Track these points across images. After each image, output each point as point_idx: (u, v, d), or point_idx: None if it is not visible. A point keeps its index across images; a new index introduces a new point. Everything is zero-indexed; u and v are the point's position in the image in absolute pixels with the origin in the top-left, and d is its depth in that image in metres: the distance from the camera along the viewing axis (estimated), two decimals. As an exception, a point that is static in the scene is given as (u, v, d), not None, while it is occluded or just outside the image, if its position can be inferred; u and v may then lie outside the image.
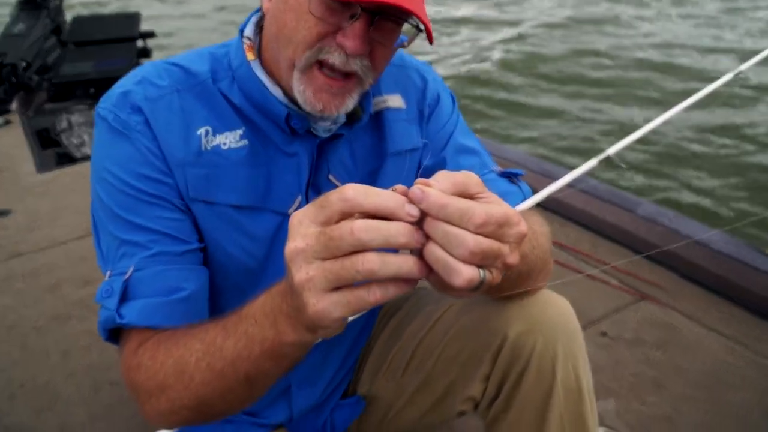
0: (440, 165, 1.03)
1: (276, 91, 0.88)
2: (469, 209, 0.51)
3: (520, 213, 0.56)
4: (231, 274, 0.94)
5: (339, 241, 0.49)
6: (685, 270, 2.14)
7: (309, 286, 0.52)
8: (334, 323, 0.54)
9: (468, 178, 0.55)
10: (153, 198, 0.83)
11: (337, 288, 0.52)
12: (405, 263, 0.51)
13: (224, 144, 0.88)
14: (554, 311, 0.98)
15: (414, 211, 0.51)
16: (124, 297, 0.80)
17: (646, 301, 2.02)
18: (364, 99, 0.93)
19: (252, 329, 0.65)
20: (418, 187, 0.51)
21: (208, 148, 0.87)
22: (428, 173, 1.05)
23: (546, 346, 0.95)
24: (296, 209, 0.90)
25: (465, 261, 0.50)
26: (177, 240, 0.84)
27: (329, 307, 0.52)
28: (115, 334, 0.84)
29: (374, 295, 0.51)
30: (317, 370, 1.11)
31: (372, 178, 1.00)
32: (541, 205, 2.85)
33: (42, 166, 3.16)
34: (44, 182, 3.02)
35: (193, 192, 0.86)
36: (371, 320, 1.22)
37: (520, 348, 0.96)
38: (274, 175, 0.90)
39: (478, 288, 0.53)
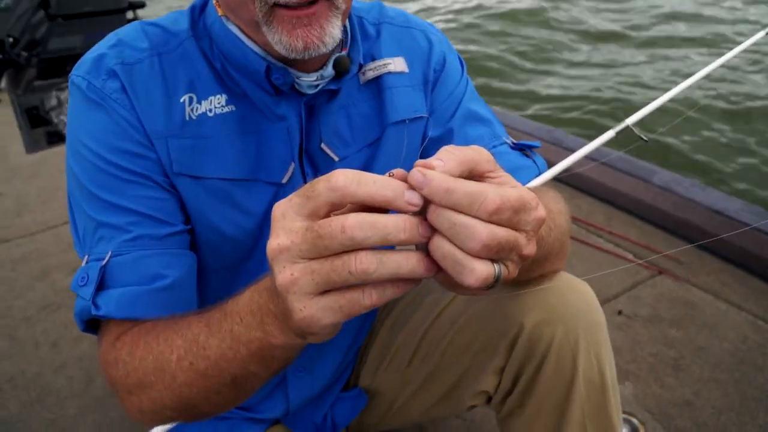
0: (447, 136, 0.94)
1: (253, 46, 0.79)
2: (480, 193, 0.43)
3: (534, 190, 0.47)
4: (223, 253, 0.87)
5: (329, 240, 0.43)
6: (702, 240, 2.04)
7: (294, 290, 0.46)
8: (324, 329, 0.48)
9: (477, 154, 0.47)
10: (132, 175, 0.76)
11: (326, 291, 0.46)
12: (406, 261, 0.44)
13: (210, 111, 0.80)
14: (575, 298, 0.89)
15: (415, 199, 0.44)
16: (101, 285, 0.73)
17: (663, 276, 1.92)
18: (353, 48, 0.84)
19: (237, 328, 0.58)
20: (419, 169, 0.44)
21: (193, 117, 0.79)
22: (434, 146, 0.96)
23: (566, 336, 0.87)
24: (290, 178, 0.83)
25: (477, 256, 0.44)
26: (159, 222, 0.77)
27: (318, 313, 0.46)
28: (93, 323, 0.78)
29: (370, 298, 0.45)
30: (315, 356, 1.04)
31: (371, 150, 0.91)
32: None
33: (31, 146, 3.08)
34: (34, 163, 2.93)
35: (178, 166, 0.78)
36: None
37: (538, 339, 0.87)
38: (264, 143, 0.82)
39: (492, 286, 0.46)
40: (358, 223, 0.42)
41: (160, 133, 0.77)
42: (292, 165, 0.84)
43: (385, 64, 0.90)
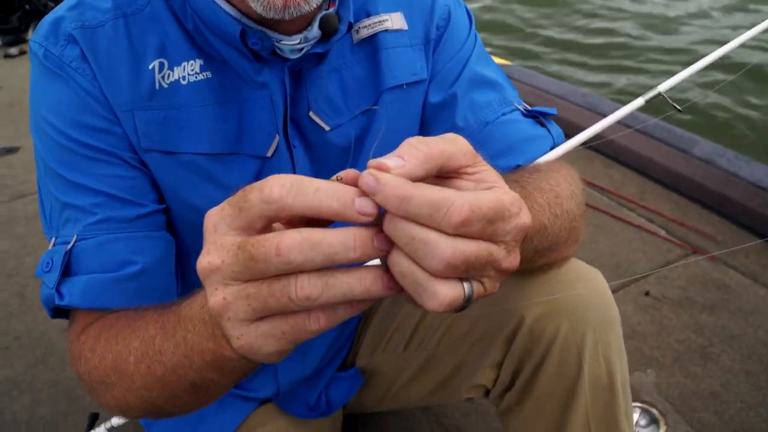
0: (450, 102, 0.84)
1: (226, 5, 0.69)
2: (443, 202, 0.36)
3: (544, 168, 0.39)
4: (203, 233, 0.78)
5: (263, 263, 0.37)
6: (743, 219, 1.89)
7: (228, 315, 0.40)
8: (268, 357, 0.42)
9: (450, 146, 0.39)
10: (96, 152, 0.69)
11: (266, 316, 0.40)
12: (359, 283, 0.38)
13: (183, 79, 0.71)
14: (584, 288, 0.80)
15: (369, 208, 0.37)
16: (67, 271, 0.68)
17: (696, 256, 1.79)
18: (342, 4, 0.74)
19: (191, 337, 0.52)
20: (370, 172, 0.37)
21: (165, 85, 0.71)
22: (436, 113, 0.83)
23: (572, 332, 0.78)
24: (275, 150, 0.75)
25: (441, 276, 0.37)
26: (127, 203, 0.70)
27: (257, 341, 0.40)
28: (64, 310, 0.72)
29: (317, 323, 0.40)
30: (306, 342, 0.97)
31: (366, 119, 0.82)
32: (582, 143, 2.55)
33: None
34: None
35: (146, 141, 0.71)
36: None
37: (539, 334, 0.79)
38: (245, 113, 0.74)
39: (463, 308, 0.39)
40: (296, 244, 0.36)
41: (125, 105, 0.70)
42: (277, 137, 0.76)
43: (380, 21, 0.80)
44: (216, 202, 0.76)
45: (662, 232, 1.88)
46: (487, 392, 0.92)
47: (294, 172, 0.78)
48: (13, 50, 3.54)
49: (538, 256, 0.68)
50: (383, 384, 1.06)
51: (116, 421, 0.82)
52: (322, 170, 0.81)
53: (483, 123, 0.81)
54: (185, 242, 0.79)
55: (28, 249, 1.96)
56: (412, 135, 0.87)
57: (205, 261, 0.40)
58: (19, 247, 1.97)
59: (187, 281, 0.86)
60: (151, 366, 0.58)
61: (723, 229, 1.89)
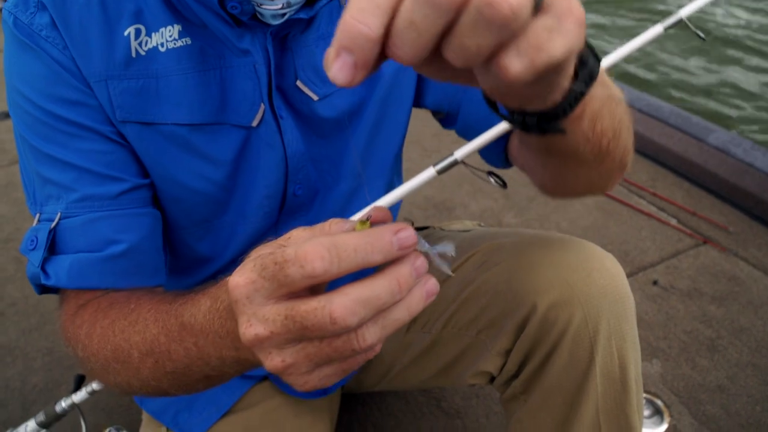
0: None
1: None
2: None
3: None
4: (192, 209, 0.77)
5: (318, 331, 0.38)
6: (756, 210, 1.85)
7: (290, 371, 0.42)
8: (298, 381, 0.44)
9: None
10: (72, 126, 0.66)
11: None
12: (407, 312, 0.41)
13: (161, 46, 0.67)
14: (601, 278, 0.76)
15: (409, 241, 0.39)
16: (53, 249, 0.67)
17: (707, 246, 1.75)
18: None
19: (203, 344, 0.51)
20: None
21: (141, 52, 0.67)
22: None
23: (585, 322, 0.75)
24: (261, 120, 0.71)
25: None
26: (108, 178, 0.68)
27: (321, 382, 0.43)
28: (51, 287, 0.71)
29: (374, 351, 0.42)
30: None
31: (361, 86, 0.78)
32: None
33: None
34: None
35: (122, 113, 0.67)
36: None
37: (552, 323, 0.76)
38: (228, 81, 0.70)
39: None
40: (349, 310, 0.37)
41: (98, 75, 0.66)
42: (262, 106, 0.72)
43: None
44: (200, 176, 0.73)
45: (673, 221, 1.84)
46: (492, 379, 0.89)
47: (282, 142, 0.75)
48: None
49: (590, 150, 0.57)
50: (383, 365, 1.03)
51: (97, 386, 0.82)
52: (313, 140, 0.78)
53: None
54: (172, 216, 0.77)
55: (25, 214, 1.92)
56: (405, 105, 0.83)
57: (251, 333, 0.40)
58: (17, 212, 1.93)
59: (177, 254, 0.83)
60: (159, 361, 0.57)
61: (735, 220, 1.85)
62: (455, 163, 0.67)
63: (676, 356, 1.41)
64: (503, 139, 0.76)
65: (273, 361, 0.41)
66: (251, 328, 0.40)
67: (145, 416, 0.98)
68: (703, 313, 1.54)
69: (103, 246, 0.68)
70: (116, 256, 0.68)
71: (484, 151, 0.80)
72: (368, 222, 0.40)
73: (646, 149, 2.11)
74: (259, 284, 0.39)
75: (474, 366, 0.88)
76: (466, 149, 0.68)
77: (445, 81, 0.37)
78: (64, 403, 0.87)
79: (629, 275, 1.63)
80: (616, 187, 1.98)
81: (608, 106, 0.53)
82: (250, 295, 0.40)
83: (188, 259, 0.84)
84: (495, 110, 0.47)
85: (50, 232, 0.66)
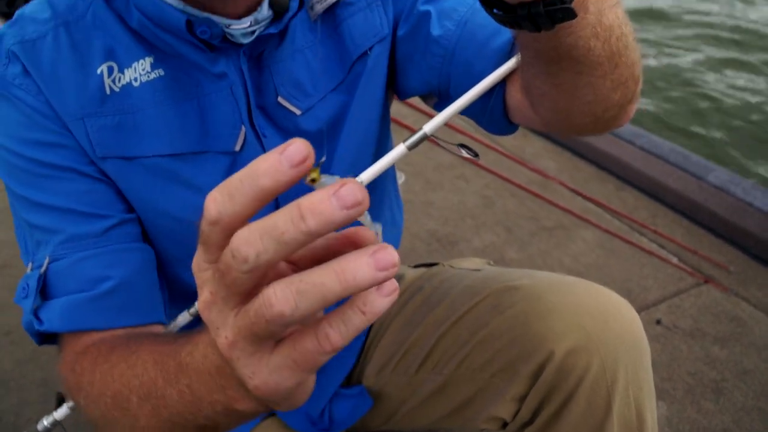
0: (420, 21, 0.78)
1: None
2: None
3: None
4: (185, 240, 0.76)
5: (230, 274, 0.33)
6: (756, 249, 1.86)
7: (236, 355, 0.36)
8: (289, 396, 0.38)
9: None
10: (53, 169, 0.66)
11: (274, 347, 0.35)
12: (337, 276, 0.31)
13: (135, 81, 0.68)
14: (618, 324, 0.76)
15: (299, 154, 0.31)
16: (45, 295, 0.67)
17: (708, 285, 1.75)
18: None
19: (197, 386, 0.48)
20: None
21: (116, 89, 0.67)
22: (412, 39, 0.77)
23: (603, 369, 0.74)
24: (243, 144, 0.71)
25: None
26: (93, 216, 0.67)
27: (271, 377, 0.35)
28: (51, 335, 0.70)
29: (329, 342, 0.33)
30: None
31: (340, 95, 0.79)
32: (595, 163, 2.54)
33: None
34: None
35: (102, 149, 0.68)
36: None
37: (569, 369, 0.75)
38: (206, 107, 0.70)
39: None
40: (243, 239, 0.31)
41: (74, 114, 0.66)
42: (243, 129, 0.72)
43: None
44: (189, 205, 0.73)
45: (674, 260, 1.84)
46: (504, 425, 0.87)
47: None
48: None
49: (602, 55, 0.57)
50: (390, 405, 1.02)
51: None
52: None
53: (462, 23, 0.75)
54: (166, 251, 0.76)
55: (23, 240, 1.91)
56: (380, 97, 0.83)
57: (201, 300, 0.37)
58: (14, 237, 1.91)
59: (174, 291, 0.82)
60: (155, 408, 0.54)
61: (735, 259, 1.86)
62: (425, 137, 0.67)
63: (681, 398, 1.40)
64: (500, 98, 0.74)
65: (219, 337, 0.36)
66: (201, 295, 0.37)
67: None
68: (707, 354, 1.53)
69: (93, 285, 0.67)
70: (107, 293, 0.67)
71: (484, 121, 0.79)
72: (318, 169, 0.33)
73: (646, 186, 2.13)
74: (198, 249, 0.37)
75: (486, 410, 0.86)
76: (434, 122, 0.67)
77: None
78: (46, 422, 0.85)
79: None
80: (616, 223, 1.99)
81: (609, 0, 0.53)
82: (198, 264, 0.37)
83: (186, 294, 0.83)
84: (496, 17, 0.48)
85: (40, 277, 0.65)
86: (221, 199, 0.32)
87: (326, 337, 0.33)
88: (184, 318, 0.64)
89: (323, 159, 0.40)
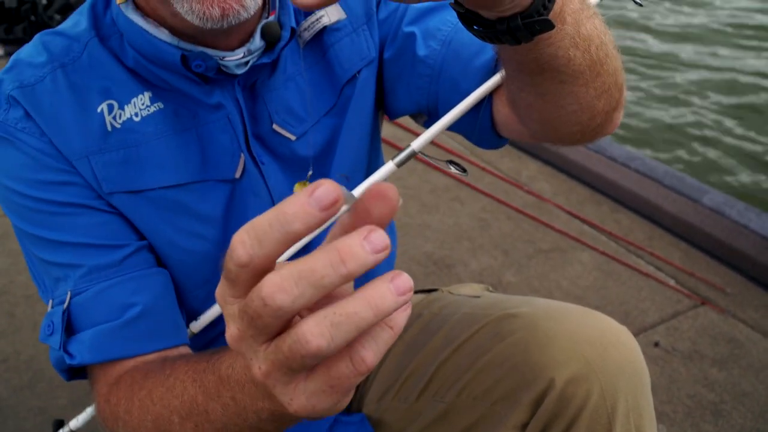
0: (406, 42, 0.80)
1: (159, 32, 0.67)
2: None
3: None
4: (192, 271, 0.78)
5: (260, 319, 0.33)
6: (752, 271, 1.87)
7: (272, 384, 0.37)
8: (328, 412, 0.39)
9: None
10: (64, 206, 0.68)
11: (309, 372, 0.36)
12: (368, 305, 0.32)
13: (136, 116, 0.70)
14: (617, 352, 0.76)
15: (330, 196, 0.31)
16: (70, 330, 0.68)
17: (705, 307, 1.76)
18: (282, 11, 0.72)
19: (240, 397, 0.49)
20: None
21: (117, 125, 0.69)
22: (398, 60, 0.79)
23: (603, 397, 0.74)
24: (243, 171, 0.73)
25: None
26: (110, 247, 0.69)
27: (309, 402, 0.37)
28: (79, 369, 0.71)
29: (364, 363, 0.34)
30: None
31: (332, 119, 0.81)
32: (590, 186, 2.55)
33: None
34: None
35: (108, 185, 0.69)
36: None
37: (569, 398, 0.75)
38: (205, 137, 0.72)
39: None
40: (277, 286, 0.31)
41: (79, 152, 0.68)
42: (242, 156, 0.73)
43: (317, 19, 0.77)
44: (193, 234, 0.74)
45: (671, 282, 1.85)
46: (505, 451, 0.87)
47: (267, 188, 0.76)
48: (16, 60, 3.52)
49: (579, 64, 0.58)
50: (391, 432, 1.02)
51: (74, 424, 0.80)
52: (297, 180, 0.79)
53: (447, 42, 0.77)
54: (175, 281, 0.77)
55: (20, 266, 1.90)
56: (369, 119, 0.84)
57: (228, 335, 0.37)
58: (11, 263, 1.91)
59: (189, 317, 0.82)
60: (198, 424, 0.55)
61: (732, 281, 1.87)
62: (413, 153, 0.68)
63: (681, 421, 1.40)
64: (488, 113, 0.75)
65: (254, 369, 0.37)
66: (228, 330, 0.37)
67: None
68: (705, 376, 1.53)
69: (119, 313, 0.68)
70: (134, 319, 0.68)
71: (474, 137, 0.80)
72: (306, 181, 0.35)
73: (641, 209, 2.15)
74: (222, 283, 0.37)
75: (487, 439, 0.86)
76: (422, 139, 0.69)
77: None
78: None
79: (630, 336, 1.63)
80: (613, 246, 2.00)
81: (586, 11, 0.55)
82: (224, 297, 0.37)
83: (189, 317, 0.83)
84: (476, 33, 0.49)
85: (64, 312, 0.66)
86: (250, 243, 0.32)
87: (362, 360, 0.34)
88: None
89: (310, 172, 0.40)
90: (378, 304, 0.32)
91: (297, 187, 0.32)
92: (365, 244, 0.31)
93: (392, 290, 0.32)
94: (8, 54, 3.60)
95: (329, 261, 0.31)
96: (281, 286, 0.31)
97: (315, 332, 0.32)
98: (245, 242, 0.32)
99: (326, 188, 0.31)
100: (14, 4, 3.53)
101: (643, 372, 0.77)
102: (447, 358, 0.91)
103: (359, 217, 0.34)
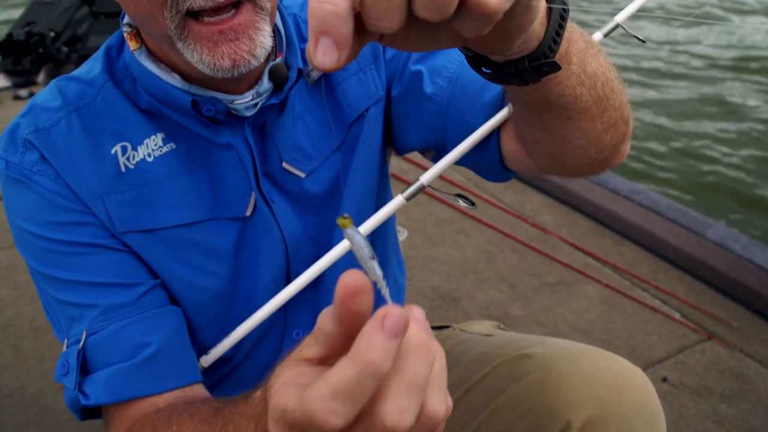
0: (413, 81, 0.82)
1: (171, 78, 0.69)
2: None
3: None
4: (204, 308, 0.78)
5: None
6: (758, 305, 1.87)
7: None
8: None
9: None
10: (78, 246, 0.69)
11: None
12: (424, 363, 0.33)
13: (149, 156, 0.71)
14: (633, 395, 0.76)
15: (398, 326, 0.31)
16: (85, 370, 0.68)
17: (712, 341, 1.76)
18: (289, 52, 0.74)
19: None
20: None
21: (131, 166, 0.71)
22: (406, 99, 0.81)
23: None
24: (254, 209, 0.74)
25: None
26: (125, 286, 0.69)
27: None
28: (94, 409, 0.71)
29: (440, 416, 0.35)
30: None
31: (340, 156, 0.82)
32: (594, 219, 2.55)
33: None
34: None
35: (122, 225, 0.70)
36: None
37: None
38: (216, 176, 0.74)
39: None
40: (328, 407, 0.31)
41: (93, 193, 0.70)
42: (253, 195, 0.75)
43: None
44: (205, 272, 0.76)
45: (677, 315, 1.85)
46: (520, 494, 0.87)
47: (278, 225, 0.78)
48: (23, 92, 3.54)
49: (583, 101, 0.60)
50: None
51: None
52: (306, 218, 0.80)
53: (453, 79, 0.79)
54: (187, 319, 0.77)
55: (26, 298, 1.90)
56: (378, 155, 0.86)
57: None
58: (18, 295, 1.91)
59: (199, 354, 0.83)
60: None
61: (737, 315, 1.87)
62: (422, 187, 0.70)
63: (691, 459, 1.39)
64: (496, 147, 0.76)
65: None
66: None
67: None
68: (714, 412, 1.53)
69: (134, 352, 0.68)
70: (149, 358, 0.68)
71: (483, 170, 0.81)
72: (349, 218, 0.35)
73: (645, 242, 2.16)
74: None
75: (502, 480, 0.86)
76: (430, 173, 0.70)
77: (430, 49, 0.38)
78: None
79: (638, 371, 1.63)
80: (618, 279, 2.01)
81: (590, 50, 0.56)
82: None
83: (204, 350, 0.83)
84: (485, 75, 0.49)
85: (79, 352, 0.67)
86: (344, 408, 0.31)
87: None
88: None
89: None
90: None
91: (339, 221, 0.33)
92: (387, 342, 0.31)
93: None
94: (16, 86, 3.65)
95: (424, 360, 0.32)
96: (331, 408, 0.31)
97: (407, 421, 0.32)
98: (338, 411, 0.31)
99: (396, 317, 0.30)
100: (23, 37, 3.58)
101: (659, 414, 0.77)
102: (461, 398, 0.91)
103: (345, 319, 0.33)
